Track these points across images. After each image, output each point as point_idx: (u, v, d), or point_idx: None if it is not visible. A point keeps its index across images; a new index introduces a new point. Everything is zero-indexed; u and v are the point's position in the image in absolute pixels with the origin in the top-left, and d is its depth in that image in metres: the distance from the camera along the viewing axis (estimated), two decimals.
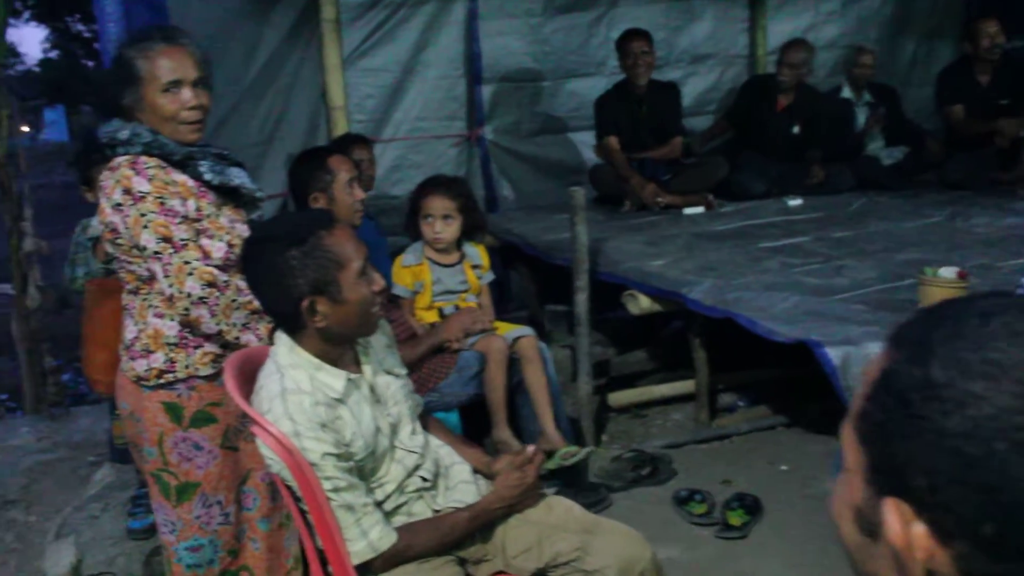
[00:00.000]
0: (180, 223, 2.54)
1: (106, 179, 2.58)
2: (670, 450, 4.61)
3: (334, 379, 2.25)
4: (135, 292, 2.66)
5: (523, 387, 3.97)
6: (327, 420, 2.19)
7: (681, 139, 6.19)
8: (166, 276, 2.52)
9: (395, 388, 2.46)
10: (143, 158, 2.58)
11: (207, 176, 2.65)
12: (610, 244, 5.00)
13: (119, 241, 2.58)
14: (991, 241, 4.85)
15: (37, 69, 23.82)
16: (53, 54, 21.89)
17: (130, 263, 2.61)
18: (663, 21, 6.64)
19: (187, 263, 2.51)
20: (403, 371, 2.53)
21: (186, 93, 2.62)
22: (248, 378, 2.37)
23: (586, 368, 4.53)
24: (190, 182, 2.63)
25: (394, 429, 2.41)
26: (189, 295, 2.51)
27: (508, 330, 3.96)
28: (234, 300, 2.58)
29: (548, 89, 6.62)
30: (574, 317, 4.51)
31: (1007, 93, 6.45)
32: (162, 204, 2.53)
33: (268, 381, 2.23)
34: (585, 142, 6.67)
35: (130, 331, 2.68)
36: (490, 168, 6.46)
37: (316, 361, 2.24)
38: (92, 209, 3.28)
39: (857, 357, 3.33)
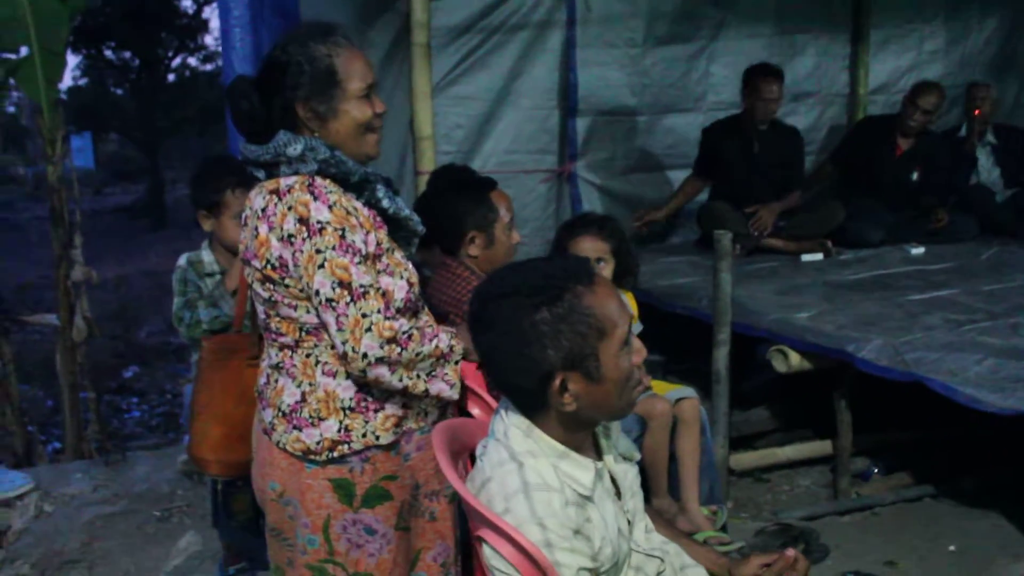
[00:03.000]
0: (360, 264, 2.09)
1: (270, 204, 2.12)
2: (810, 522, 4.15)
3: (582, 471, 1.79)
4: (295, 346, 2.20)
5: (673, 454, 3.51)
6: (579, 524, 1.74)
7: (800, 193, 5.79)
8: (340, 330, 2.07)
9: (631, 477, 2.00)
10: (319, 179, 2.13)
11: (385, 203, 2.21)
12: (737, 292, 4.55)
13: (287, 282, 2.13)
14: None
15: (64, 97, 23.60)
16: (83, 81, 21.56)
17: (294, 309, 2.15)
18: (765, 55, 6.22)
19: (365, 316, 2.06)
20: (637, 455, 2.07)
21: (377, 100, 2.21)
22: (452, 455, 1.92)
23: (724, 431, 4.08)
24: (365, 210, 2.18)
25: (631, 527, 1.95)
26: (365, 355, 2.05)
27: (669, 390, 3.50)
28: (418, 353, 2.13)
29: (644, 124, 6.22)
30: (712, 373, 4.06)
31: None
32: (343, 239, 2.09)
33: (499, 472, 1.76)
34: (675, 181, 6.26)
35: (290, 394, 2.21)
36: (581, 206, 6.02)
37: (560, 448, 1.78)
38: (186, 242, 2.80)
39: None
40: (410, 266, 2.27)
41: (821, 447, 4.61)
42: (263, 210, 2.14)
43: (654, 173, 6.30)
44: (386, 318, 2.09)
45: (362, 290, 2.08)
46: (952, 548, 3.89)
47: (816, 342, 3.93)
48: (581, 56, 5.83)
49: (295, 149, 2.14)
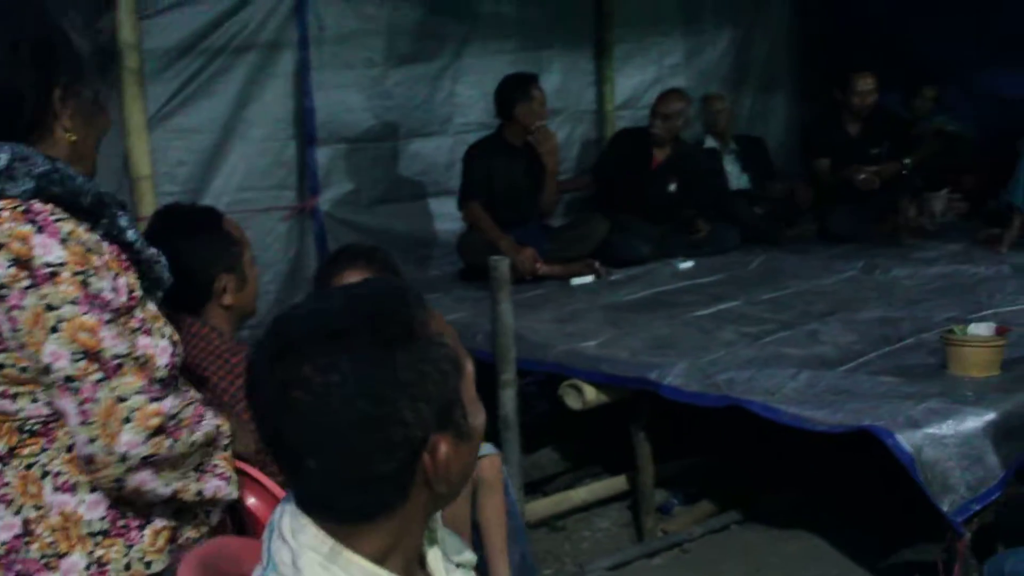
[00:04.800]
0: (111, 323, 1.50)
1: None
2: (619, 570, 3.78)
3: None
4: (7, 456, 1.55)
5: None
6: None
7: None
8: (85, 423, 1.46)
9: None
10: (38, 203, 1.50)
11: (130, 235, 1.61)
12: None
13: None
14: (942, 291, 4.55)
15: None
16: None
17: (11, 400, 1.51)
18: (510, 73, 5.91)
19: (122, 400, 1.46)
20: (473, 557, 1.55)
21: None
22: None
23: (518, 483, 3.63)
24: (106, 245, 1.58)
25: None
26: (125, 457, 1.43)
27: None
28: (192, 443, 1.54)
29: (390, 151, 5.73)
30: (498, 419, 3.60)
31: (878, 143, 6.22)
32: (85, 288, 1.49)
33: None
34: (435, 210, 5.87)
35: (6, 527, 1.54)
36: (326, 245, 5.45)
37: (373, 570, 1.21)
38: None
39: (931, 442, 2.65)
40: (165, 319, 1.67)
41: (617, 484, 4.25)
42: None
43: (405, 203, 5.83)
44: (151, 399, 1.51)
45: (116, 361, 1.49)
46: None
47: (614, 372, 3.56)
48: (317, 79, 5.28)
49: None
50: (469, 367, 1.21)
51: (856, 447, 3.07)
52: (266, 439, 1.17)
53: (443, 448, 1.15)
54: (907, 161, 6.09)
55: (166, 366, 1.58)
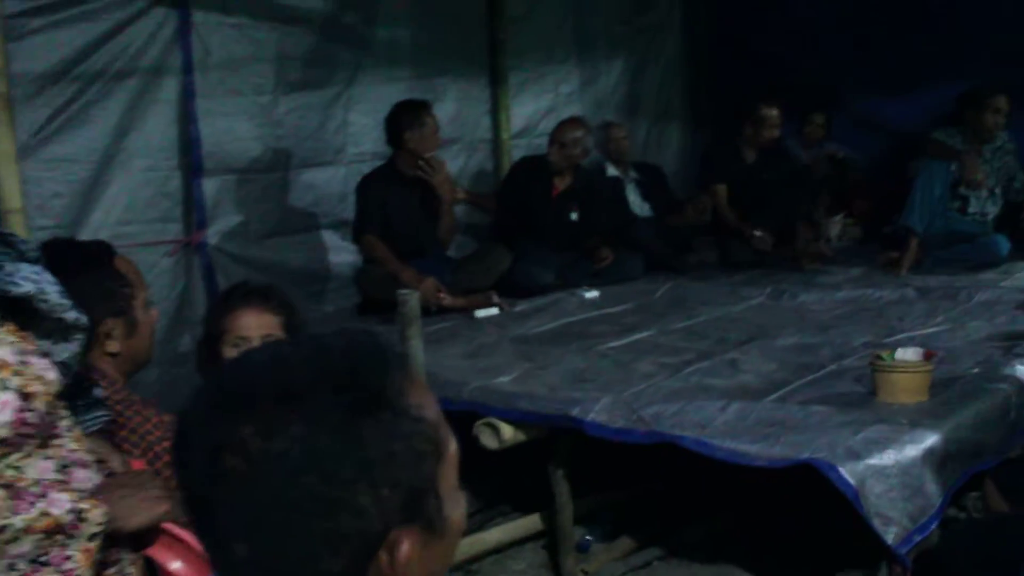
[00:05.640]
0: None
1: None
2: None
3: None
4: None
5: None
6: None
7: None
8: None
9: None
10: None
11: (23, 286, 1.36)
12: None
13: None
14: (852, 315, 4.53)
15: None
16: None
17: None
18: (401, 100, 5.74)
19: None
20: None
21: None
22: None
23: None
24: None
25: None
26: None
27: None
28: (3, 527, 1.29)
29: (281, 181, 5.48)
30: None
31: (772, 169, 6.28)
32: None
33: None
34: (329, 243, 5.66)
35: None
36: (215, 281, 5.17)
37: None
38: None
39: (875, 473, 2.56)
40: (31, 366, 1.41)
41: (532, 523, 4.07)
42: None
43: (298, 236, 5.58)
44: None
45: None
46: None
47: (532, 409, 3.38)
48: (202, 106, 5.02)
49: None
50: (452, 449, 1.00)
51: (780, 476, 2.97)
52: (190, 511, 0.95)
53: (406, 546, 0.94)
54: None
55: (8, 423, 1.33)
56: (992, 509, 2.81)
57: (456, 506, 0.99)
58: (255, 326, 2.66)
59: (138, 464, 1.80)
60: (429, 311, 4.90)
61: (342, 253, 5.58)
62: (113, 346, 2.20)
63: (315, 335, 1.03)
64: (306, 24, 5.42)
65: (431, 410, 0.98)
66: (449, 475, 0.99)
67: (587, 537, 4.12)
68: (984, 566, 2.27)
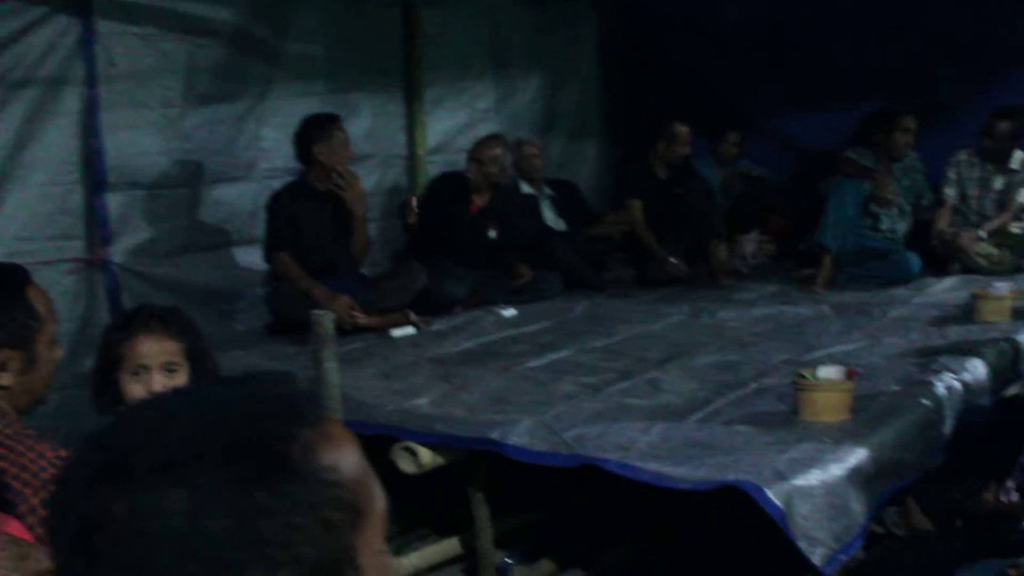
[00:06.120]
0: None
1: None
2: None
3: None
4: None
5: None
6: None
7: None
8: None
9: None
10: None
11: None
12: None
13: None
14: (771, 333, 4.55)
15: None
16: None
17: None
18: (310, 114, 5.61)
19: None
20: None
21: None
22: None
23: None
24: None
25: None
26: None
27: None
28: None
29: (189, 197, 5.31)
30: None
31: (682, 183, 6.34)
32: None
33: None
34: (240, 261, 5.48)
35: None
36: (121, 301, 4.97)
37: None
38: None
39: (801, 493, 2.53)
40: None
41: (451, 547, 3.97)
42: None
43: (207, 254, 5.40)
44: None
45: None
46: None
47: (451, 432, 3.30)
48: (107, 119, 4.83)
49: None
50: (378, 509, 0.87)
51: (704, 496, 2.93)
52: None
53: None
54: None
55: None
56: (914, 525, 2.81)
57: (380, 573, 0.87)
58: (155, 353, 2.51)
59: (15, 527, 1.65)
60: (343, 330, 4.78)
61: (253, 271, 5.41)
62: (5, 378, 2.05)
63: (217, 383, 0.92)
64: (216, 36, 5.26)
65: (349, 469, 0.85)
66: (372, 540, 0.86)
67: (507, 560, 4.03)
68: None
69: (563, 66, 7.46)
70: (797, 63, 6.90)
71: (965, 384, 3.52)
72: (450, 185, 5.68)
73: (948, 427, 3.29)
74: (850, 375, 3.09)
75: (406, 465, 3.38)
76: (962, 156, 6.00)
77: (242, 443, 0.80)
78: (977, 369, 3.66)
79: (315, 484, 0.81)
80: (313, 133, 5.02)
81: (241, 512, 0.77)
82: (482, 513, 3.65)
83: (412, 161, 6.43)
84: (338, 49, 5.89)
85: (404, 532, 4.29)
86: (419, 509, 4.12)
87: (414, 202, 5.62)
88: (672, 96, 7.09)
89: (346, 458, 0.85)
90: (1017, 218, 5.89)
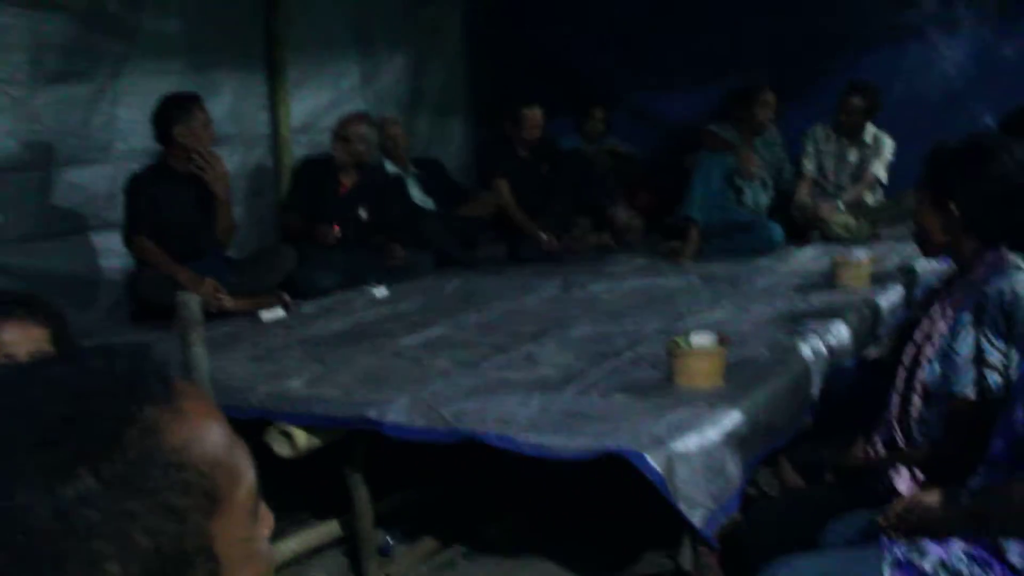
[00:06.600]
0: None
1: None
2: None
3: None
4: None
5: None
6: None
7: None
8: None
9: None
10: None
11: None
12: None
13: None
14: (642, 304, 4.58)
15: None
16: None
17: None
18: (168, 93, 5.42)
19: None
20: None
21: None
22: None
23: None
24: None
25: None
26: None
27: None
28: None
29: (40, 181, 5.05)
30: None
31: (547, 160, 6.42)
32: None
33: None
34: (98, 246, 5.26)
35: None
36: None
37: None
38: None
39: (679, 458, 2.57)
40: None
41: (331, 530, 3.90)
42: None
43: (62, 240, 5.15)
44: None
45: None
46: None
47: (327, 413, 3.23)
48: None
49: None
50: (242, 495, 0.80)
51: (581, 466, 2.95)
52: None
53: None
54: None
55: None
56: (787, 484, 2.88)
57: (249, 563, 0.80)
58: (21, 340, 2.36)
59: None
60: (210, 314, 4.64)
61: (112, 256, 5.19)
62: None
63: (60, 359, 0.84)
64: (64, 10, 5.01)
65: (202, 450, 0.77)
66: (234, 527, 0.79)
67: (388, 540, 3.99)
68: (786, 539, 2.30)
69: (428, 44, 7.42)
70: (660, 41, 7.01)
71: (830, 347, 3.63)
72: (316, 168, 5.56)
73: (815, 389, 3.38)
74: (722, 342, 3.14)
75: (281, 448, 3.30)
76: (819, 130, 6.19)
77: (64, 424, 0.72)
78: (840, 333, 3.79)
79: (153, 467, 0.74)
80: (172, 113, 4.84)
81: (57, 500, 0.70)
82: (361, 494, 3.59)
83: (276, 141, 6.29)
84: (196, 25, 5.70)
85: (281, 517, 4.19)
86: (297, 493, 4.05)
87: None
88: (537, 74, 7.11)
89: (201, 438, 0.78)
90: (872, 189, 6.11)
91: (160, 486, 0.74)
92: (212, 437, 0.79)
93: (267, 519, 0.87)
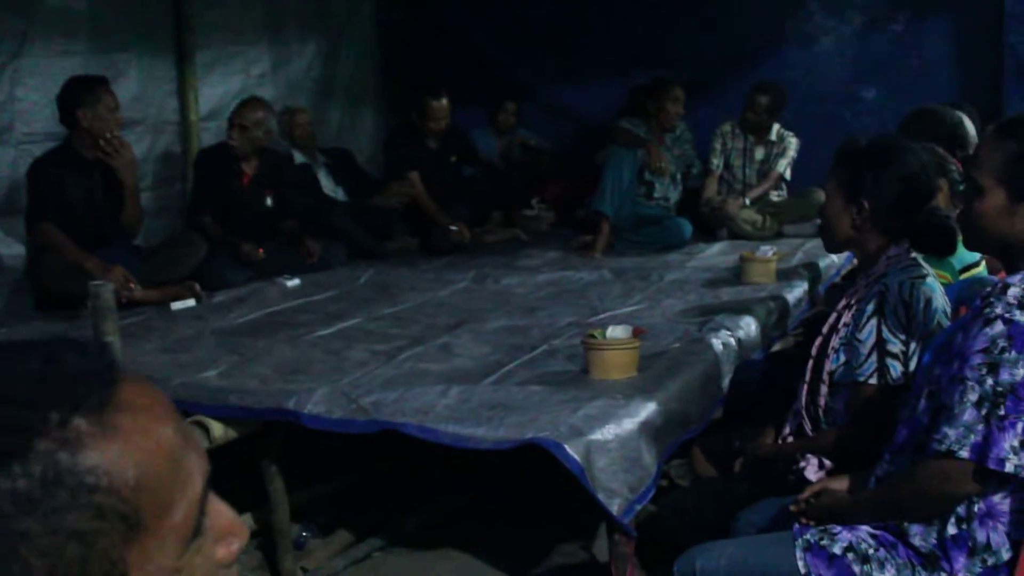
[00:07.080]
0: None
1: None
2: None
3: None
4: None
5: None
6: None
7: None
8: None
9: None
10: None
11: None
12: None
13: None
14: (555, 297, 4.66)
15: None
16: None
17: None
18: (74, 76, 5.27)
19: None
20: None
21: None
22: None
23: None
24: None
25: None
26: None
27: None
28: None
29: None
30: None
31: (456, 151, 6.49)
32: None
33: None
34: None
35: None
36: None
37: None
38: None
39: (597, 448, 2.62)
40: None
41: (245, 523, 3.85)
42: None
43: None
44: None
45: None
46: None
47: (244, 404, 3.19)
48: None
49: None
50: (173, 521, 0.72)
51: (494, 457, 2.98)
52: None
53: None
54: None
55: None
56: (700, 473, 2.96)
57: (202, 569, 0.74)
58: None
59: None
60: (119, 303, 4.54)
61: (13, 243, 5.04)
62: None
63: None
64: None
65: (123, 470, 0.69)
66: (156, 554, 0.71)
67: (304, 533, 3.96)
68: (700, 528, 2.37)
69: (340, 33, 7.34)
70: (571, 36, 7.08)
71: (739, 340, 3.73)
72: (215, 160, 5.43)
73: (725, 381, 3.47)
74: (636, 334, 3.20)
75: (200, 440, 3.26)
76: (726, 128, 6.32)
77: None
78: (749, 326, 3.89)
79: (59, 487, 0.67)
80: (78, 96, 4.71)
81: None
82: (277, 486, 3.56)
83: (185, 127, 6.17)
84: (101, 5, 5.55)
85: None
86: (212, 486, 3.99)
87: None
88: (449, 65, 7.12)
89: (127, 459, 0.70)
90: (777, 187, 6.28)
91: (63, 506, 0.67)
92: (142, 458, 0.71)
93: (238, 534, 0.82)
